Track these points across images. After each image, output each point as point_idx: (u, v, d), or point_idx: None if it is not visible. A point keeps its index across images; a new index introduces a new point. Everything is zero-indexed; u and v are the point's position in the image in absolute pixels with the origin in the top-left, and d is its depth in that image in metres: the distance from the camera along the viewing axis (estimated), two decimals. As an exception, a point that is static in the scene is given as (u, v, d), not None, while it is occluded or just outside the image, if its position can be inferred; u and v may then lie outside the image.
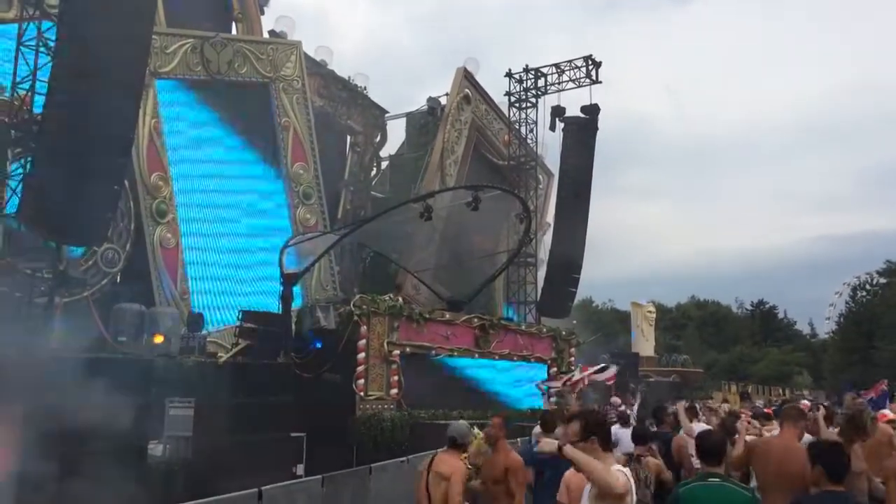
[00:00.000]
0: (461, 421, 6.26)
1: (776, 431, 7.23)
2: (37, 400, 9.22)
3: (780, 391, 37.03)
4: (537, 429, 10.50)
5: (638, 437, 7.78)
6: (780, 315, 69.25)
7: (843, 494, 4.38)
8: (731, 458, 6.04)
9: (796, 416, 5.84)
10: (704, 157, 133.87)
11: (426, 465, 5.87)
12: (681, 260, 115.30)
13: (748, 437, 7.17)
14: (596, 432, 3.67)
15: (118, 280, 15.38)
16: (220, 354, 14.70)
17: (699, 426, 10.58)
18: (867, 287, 54.66)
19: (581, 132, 24.59)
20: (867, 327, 47.66)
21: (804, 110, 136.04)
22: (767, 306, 69.00)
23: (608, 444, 3.86)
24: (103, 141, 11.22)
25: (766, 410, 11.81)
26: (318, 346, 14.73)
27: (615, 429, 10.91)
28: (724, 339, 61.76)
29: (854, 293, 55.11)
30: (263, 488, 6.30)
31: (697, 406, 13.50)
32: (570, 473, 5.45)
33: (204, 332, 15.03)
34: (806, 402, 11.45)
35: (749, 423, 8.40)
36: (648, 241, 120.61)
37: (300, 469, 12.35)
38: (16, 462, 8.86)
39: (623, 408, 13.93)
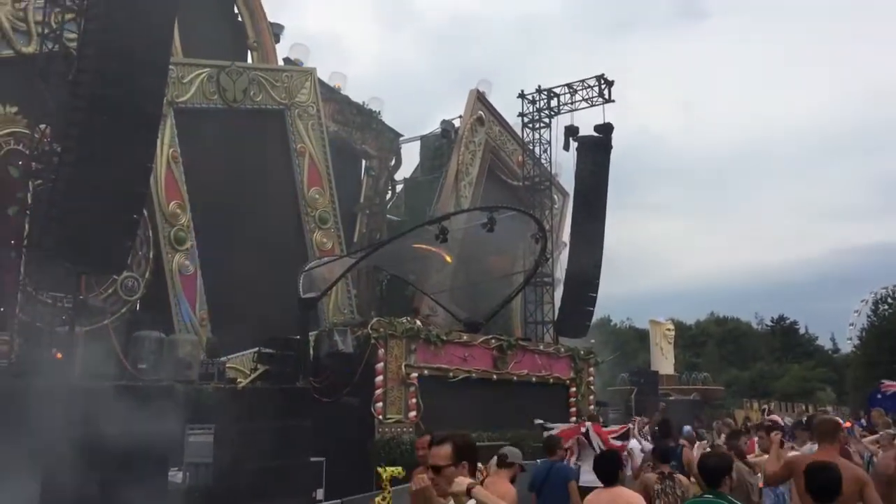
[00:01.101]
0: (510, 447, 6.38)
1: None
2: (58, 429, 9.30)
3: (804, 407, 36.56)
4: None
5: (663, 455, 7.92)
6: (801, 330, 68.56)
7: None
8: (767, 473, 6.05)
9: (833, 431, 5.74)
10: (720, 171, 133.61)
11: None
12: (699, 276, 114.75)
13: (790, 453, 7.15)
14: (467, 457, 3.48)
15: (137, 308, 15.52)
16: (238, 380, 14.77)
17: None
18: (889, 300, 54.07)
19: (595, 151, 24.60)
20: (890, 341, 47.07)
21: (819, 120, 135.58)
22: (788, 321, 68.33)
23: (475, 470, 3.73)
24: (122, 171, 11.39)
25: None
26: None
27: (633, 444, 10.89)
28: (745, 355, 61.15)
29: (876, 307, 54.51)
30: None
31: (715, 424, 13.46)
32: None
33: (223, 358, 15.14)
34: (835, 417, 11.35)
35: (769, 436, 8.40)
36: (666, 258, 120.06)
37: (320, 493, 12.36)
38: (36, 490, 8.93)
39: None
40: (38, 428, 9.35)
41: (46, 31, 13.02)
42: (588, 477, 8.25)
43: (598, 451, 9.48)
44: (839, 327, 68.23)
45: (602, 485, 5.64)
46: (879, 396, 18.90)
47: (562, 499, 7.51)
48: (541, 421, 13.12)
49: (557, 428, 11.38)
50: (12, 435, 8.69)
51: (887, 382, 17.09)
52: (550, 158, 26.19)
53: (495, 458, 7.05)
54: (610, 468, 5.65)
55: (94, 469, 9.39)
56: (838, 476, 4.55)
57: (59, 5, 12.90)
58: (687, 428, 14.09)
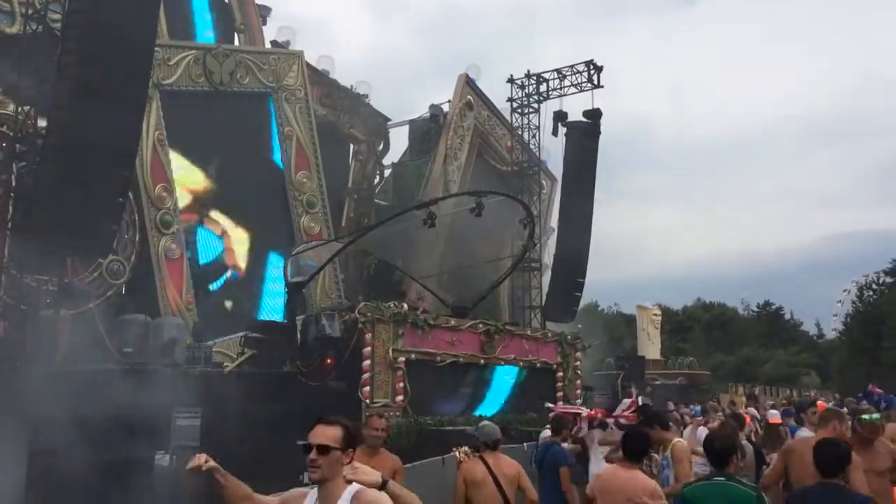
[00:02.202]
0: (487, 423, 6.39)
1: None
2: (44, 412, 9.27)
3: (789, 392, 36.91)
4: (545, 432, 10.56)
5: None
6: (787, 316, 69.17)
7: (837, 485, 4.61)
8: (765, 476, 6.09)
9: (831, 418, 6.01)
10: (709, 158, 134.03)
11: (483, 471, 6.05)
12: (686, 262, 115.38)
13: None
14: (353, 445, 3.29)
15: (123, 291, 15.45)
16: (225, 364, 14.75)
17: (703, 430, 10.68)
18: (874, 286, 54.55)
19: (584, 137, 24.61)
20: (875, 327, 47.53)
21: (808, 108, 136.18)
22: (774, 307, 68.87)
23: (353, 453, 3.32)
24: (107, 154, 11.30)
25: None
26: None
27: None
28: (731, 340, 61.56)
29: (861, 293, 55.01)
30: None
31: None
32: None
33: (209, 342, 15.10)
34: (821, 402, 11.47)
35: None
36: (653, 244, 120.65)
37: (306, 477, 12.38)
38: (22, 474, 8.92)
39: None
40: (24, 412, 9.32)
41: (30, 11, 12.87)
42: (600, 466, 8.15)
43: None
44: (824, 313, 68.96)
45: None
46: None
47: (555, 482, 7.57)
48: (550, 405, 13.10)
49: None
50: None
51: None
52: (539, 143, 26.21)
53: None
54: (639, 447, 5.54)
55: (81, 452, 9.38)
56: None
57: (42, -15, 12.75)
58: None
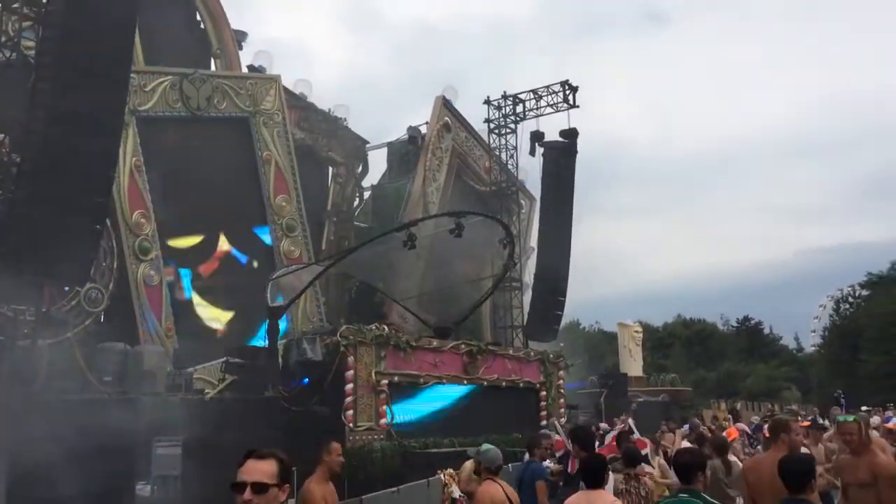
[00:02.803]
0: (490, 447, 6.26)
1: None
2: (22, 443, 9.12)
3: (770, 406, 37.10)
4: (527, 456, 10.56)
5: (631, 458, 8.11)
6: (766, 330, 69.67)
7: (805, 501, 4.52)
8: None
9: (781, 430, 5.94)
10: (686, 175, 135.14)
11: (503, 497, 5.88)
12: (666, 279, 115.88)
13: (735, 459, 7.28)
14: (288, 479, 2.90)
15: (102, 319, 15.28)
16: (206, 391, 14.60)
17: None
18: (850, 300, 55.19)
19: (561, 156, 24.83)
20: (852, 340, 48.02)
21: (782, 125, 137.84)
22: (753, 322, 69.38)
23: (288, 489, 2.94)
24: (84, 181, 11.19)
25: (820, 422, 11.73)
26: (306, 382, 14.67)
27: None
28: (712, 356, 61.92)
29: (838, 306, 55.62)
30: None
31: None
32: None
33: (190, 369, 14.94)
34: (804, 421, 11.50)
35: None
36: (633, 261, 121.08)
37: (291, 503, 12.24)
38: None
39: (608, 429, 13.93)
40: (2, 442, 9.16)
41: (4, 38, 12.79)
42: None
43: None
44: (802, 327, 69.46)
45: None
46: None
47: (534, 497, 7.64)
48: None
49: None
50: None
51: None
52: (517, 164, 26.41)
53: (469, 462, 7.07)
54: (597, 472, 5.65)
55: (61, 483, 9.22)
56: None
57: (16, 13, 12.69)
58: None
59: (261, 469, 2.84)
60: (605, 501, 5.48)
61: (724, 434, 11.54)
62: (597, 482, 5.57)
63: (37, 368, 11.61)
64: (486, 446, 6.27)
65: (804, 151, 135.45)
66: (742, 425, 14.50)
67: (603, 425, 15.60)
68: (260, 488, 2.79)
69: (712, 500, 5.07)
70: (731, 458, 8.60)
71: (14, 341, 11.69)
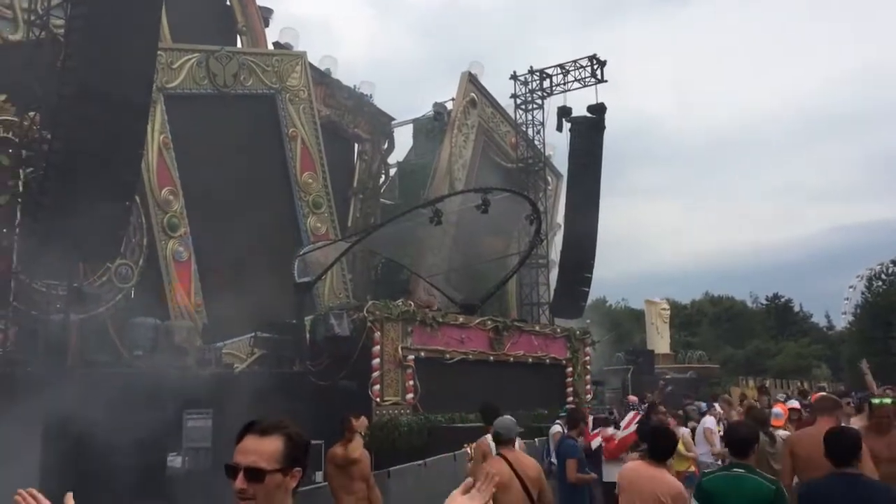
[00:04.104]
0: (507, 417, 6.21)
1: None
2: (55, 416, 9.30)
3: (799, 384, 36.76)
4: (555, 427, 10.59)
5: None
6: (796, 308, 68.83)
7: (853, 475, 4.48)
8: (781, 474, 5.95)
9: (831, 407, 5.90)
10: (714, 152, 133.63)
11: (509, 472, 5.62)
12: (694, 256, 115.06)
13: (782, 433, 7.21)
14: (300, 460, 2.24)
15: (132, 295, 15.49)
16: (235, 365, 14.78)
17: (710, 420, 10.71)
18: (883, 277, 54.27)
19: (588, 132, 24.54)
20: (884, 317, 47.29)
21: (810, 101, 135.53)
22: (783, 300, 68.58)
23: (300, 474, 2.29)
24: (113, 158, 11.33)
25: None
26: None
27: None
28: (740, 334, 61.36)
29: (870, 283, 54.72)
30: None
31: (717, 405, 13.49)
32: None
33: (219, 343, 15.12)
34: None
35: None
36: (661, 238, 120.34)
37: (319, 476, 12.39)
38: (35, 477, 8.95)
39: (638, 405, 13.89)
40: (36, 415, 9.35)
41: (33, 17, 12.91)
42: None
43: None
44: (834, 305, 68.66)
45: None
46: None
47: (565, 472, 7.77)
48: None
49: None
50: (11, 424, 8.68)
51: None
52: (543, 140, 26.20)
53: (487, 437, 7.10)
54: (664, 444, 5.33)
55: (94, 455, 9.41)
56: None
57: (45, -8, 12.79)
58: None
59: (260, 449, 2.17)
60: (666, 480, 5.16)
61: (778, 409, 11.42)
62: (662, 455, 5.27)
63: (69, 342, 11.83)
64: (503, 417, 6.19)
65: (833, 127, 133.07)
66: (794, 402, 14.21)
67: (632, 398, 15.58)
68: (255, 475, 2.13)
69: (766, 475, 4.94)
70: (780, 432, 8.53)
71: (47, 316, 11.92)
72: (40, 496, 2.18)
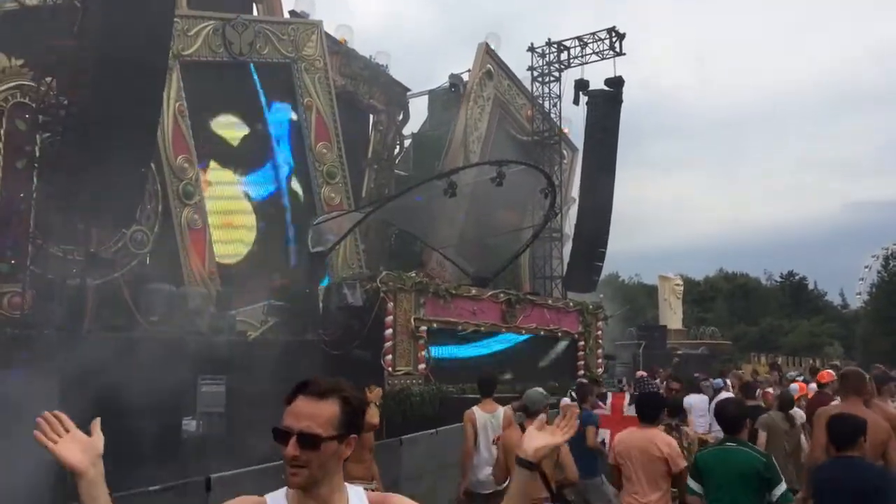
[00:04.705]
0: (537, 389, 6.22)
1: None
2: (72, 379, 9.42)
3: (812, 362, 36.69)
4: (565, 400, 10.63)
5: (674, 409, 8.17)
6: (811, 286, 68.47)
7: (852, 458, 4.50)
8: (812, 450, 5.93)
9: (858, 384, 5.70)
10: (731, 127, 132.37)
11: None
12: (708, 232, 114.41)
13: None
14: (356, 426, 2.02)
15: (147, 261, 15.60)
16: (249, 332, 14.89)
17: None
18: (900, 256, 53.75)
19: (605, 105, 24.34)
20: (901, 297, 46.99)
21: (830, 76, 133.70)
22: (797, 277, 68.18)
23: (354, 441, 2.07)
24: (129, 124, 11.34)
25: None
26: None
27: (688, 398, 10.88)
28: (754, 311, 61.13)
29: (886, 262, 54.26)
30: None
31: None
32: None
33: (233, 311, 15.24)
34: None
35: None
36: (675, 214, 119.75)
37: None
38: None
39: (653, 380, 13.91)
40: (53, 378, 9.47)
41: (50, -18, 12.86)
42: None
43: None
44: (849, 283, 68.21)
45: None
46: None
47: (582, 443, 7.82)
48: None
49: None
50: (28, 387, 8.81)
51: None
52: (560, 113, 26.03)
53: (508, 408, 7.11)
54: (651, 408, 5.83)
55: (110, 418, 9.51)
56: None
57: (62, -44, 12.74)
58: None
59: (316, 413, 1.95)
60: (661, 439, 5.58)
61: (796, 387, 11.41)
62: (650, 418, 5.72)
63: (86, 307, 11.95)
64: (532, 388, 6.23)
65: (851, 103, 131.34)
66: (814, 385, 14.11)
67: (641, 373, 15.60)
68: (309, 441, 1.93)
69: (755, 448, 5.10)
70: (798, 411, 8.53)
71: (64, 280, 12.02)
72: (64, 417, 2.07)
